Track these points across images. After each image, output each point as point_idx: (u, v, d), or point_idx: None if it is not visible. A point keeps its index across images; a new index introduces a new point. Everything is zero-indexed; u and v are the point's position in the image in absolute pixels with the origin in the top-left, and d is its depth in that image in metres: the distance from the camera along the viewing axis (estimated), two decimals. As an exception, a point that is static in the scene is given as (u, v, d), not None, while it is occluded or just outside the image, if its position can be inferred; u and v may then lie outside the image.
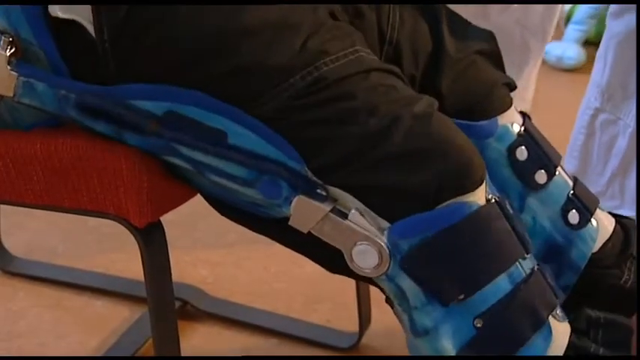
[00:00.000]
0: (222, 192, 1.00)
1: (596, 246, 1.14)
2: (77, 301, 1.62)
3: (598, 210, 1.15)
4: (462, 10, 1.18)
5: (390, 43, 1.10)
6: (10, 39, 0.98)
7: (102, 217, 1.05)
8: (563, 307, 1.10)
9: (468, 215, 0.94)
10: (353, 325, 1.51)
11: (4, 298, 1.62)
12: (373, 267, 0.95)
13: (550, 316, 0.97)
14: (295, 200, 0.95)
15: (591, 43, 2.86)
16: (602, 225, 1.15)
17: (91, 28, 0.97)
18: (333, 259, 0.98)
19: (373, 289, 1.26)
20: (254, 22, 0.96)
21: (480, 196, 0.96)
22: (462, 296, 0.94)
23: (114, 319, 1.57)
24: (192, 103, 0.95)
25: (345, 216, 0.95)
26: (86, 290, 1.64)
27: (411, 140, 0.94)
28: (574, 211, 1.13)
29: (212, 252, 1.77)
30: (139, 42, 0.96)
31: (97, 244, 1.78)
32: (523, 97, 1.71)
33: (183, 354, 1.12)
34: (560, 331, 0.98)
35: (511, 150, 1.12)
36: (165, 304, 1.09)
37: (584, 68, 2.81)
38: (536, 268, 0.98)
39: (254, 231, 1.04)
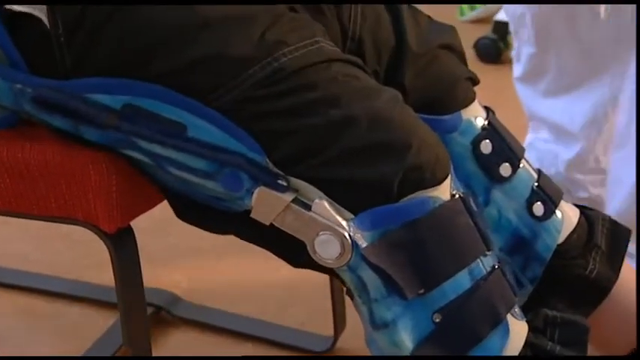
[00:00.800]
0: (184, 186, 0.99)
1: (562, 237, 1.15)
2: (50, 308, 1.61)
3: (562, 202, 1.17)
4: None
5: (353, 39, 1.10)
6: None
7: (71, 224, 1.04)
8: (530, 299, 1.13)
9: (432, 210, 0.94)
10: (328, 329, 1.51)
11: (-24, 307, 1.61)
12: (335, 257, 0.95)
13: (508, 314, 0.97)
14: (257, 192, 0.95)
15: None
16: (567, 216, 1.16)
17: (47, 21, 0.96)
18: (295, 252, 0.98)
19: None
20: (212, 15, 0.96)
21: (444, 191, 0.96)
22: (422, 290, 0.94)
23: (87, 327, 1.55)
24: (151, 96, 0.95)
25: (307, 207, 0.94)
26: (59, 297, 1.63)
27: (373, 132, 0.94)
28: (539, 203, 1.14)
29: (186, 257, 1.77)
30: (95, 36, 0.96)
31: (69, 251, 1.77)
32: None
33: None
34: (517, 330, 0.98)
35: (475, 143, 1.12)
36: (137, 310, 1.08)
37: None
38: (497, 266, 0.98)
39: (215, 232, 1.04)
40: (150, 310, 1.55)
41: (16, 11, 0.97)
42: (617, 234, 1.18)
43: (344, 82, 0.96)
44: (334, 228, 0.94)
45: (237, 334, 1.54)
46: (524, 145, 1.74)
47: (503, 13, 2.55)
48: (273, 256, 1.03)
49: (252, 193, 0.95)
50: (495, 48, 2.48)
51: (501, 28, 2.50)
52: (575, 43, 1.61)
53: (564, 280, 1.15)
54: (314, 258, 0.95)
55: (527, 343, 0.99)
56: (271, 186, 0.95)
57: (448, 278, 0.94)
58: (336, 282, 1.41)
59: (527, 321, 1.01)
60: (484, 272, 0.97)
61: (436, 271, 0.94)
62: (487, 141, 1.13)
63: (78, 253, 1.75)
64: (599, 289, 1.16)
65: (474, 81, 1.17)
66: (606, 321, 1.17)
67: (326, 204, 0.94)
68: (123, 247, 1.04)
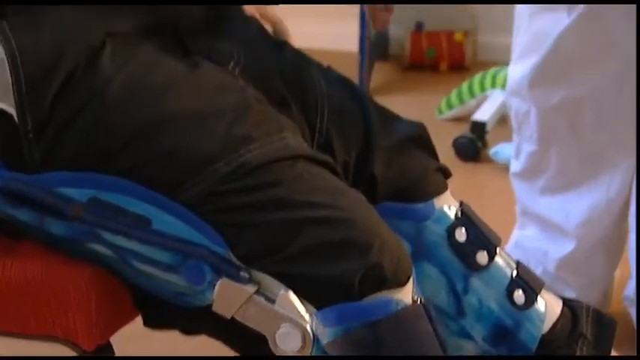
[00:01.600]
0: (148, 282, 0.99)
1: (546, 327, 1.14)
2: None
3: (544, 291, 1.16)
4: None
5: (320, 132, 1.11)
6: None
7: (50, 341, 1.03)
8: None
9: (395, 312, 0.94)
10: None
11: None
12: (297, 350, 0.94)
13: None
14: (219, 284, 0.95)
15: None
16: (550, 305, 1.16)
17: (17, 117, 0.97)
18: (256, 346, 0.97)
19: None
20: (178, 109, 0.97)
21: (407, 294, 0.96)
22: None
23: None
24: (116, 190, 0.95)
25: (270, 300, 0.94)
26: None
27: (336, 230, 0.94)
28: (519, 291, 1.13)
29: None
30: (63, 132, 0.96)
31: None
32: None
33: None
34: None
35: (450, 231, 1.13)
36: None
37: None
38: None
39: (180, 330, 1.04)
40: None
41: None
42: (602, 323, 1.18)
43: (308, 181, 0.97)
44: (296, 321, 0.94)
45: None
46: (510, 241, 1.74)
47: (480, 113, 2.59)
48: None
49: (214, 285, 0.95)
50: (473, 147, 2.50)
51: (478, 128, 2.53)
52: (577, 143, 1.63)
53: None
54: (275, 352, 0.95)
55: None
56: (234, 278, 0.95)
57: None
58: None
59: None
60: None
61: None
62: (462, 229, 1.13)
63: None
64: None
65: (446, 173, 1.17)
66: None
67: (291, 296, 0.94)
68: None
